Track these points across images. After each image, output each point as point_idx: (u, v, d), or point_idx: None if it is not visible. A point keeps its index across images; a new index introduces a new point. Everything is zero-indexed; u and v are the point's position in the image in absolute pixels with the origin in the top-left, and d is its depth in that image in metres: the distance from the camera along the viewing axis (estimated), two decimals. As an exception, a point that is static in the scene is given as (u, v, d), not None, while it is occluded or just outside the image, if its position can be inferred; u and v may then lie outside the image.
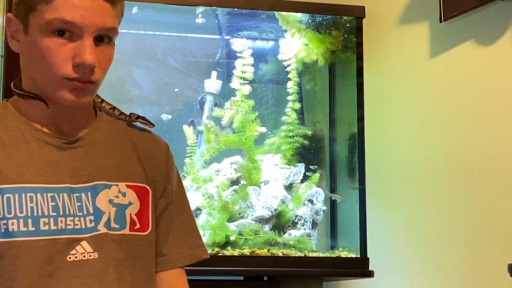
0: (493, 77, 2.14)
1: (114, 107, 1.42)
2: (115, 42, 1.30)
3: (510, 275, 1.71)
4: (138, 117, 1.43)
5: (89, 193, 1.29)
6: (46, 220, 1.23)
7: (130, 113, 1.44)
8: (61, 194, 1.26)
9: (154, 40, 2.59)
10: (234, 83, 2.43)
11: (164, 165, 1.41)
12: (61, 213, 1.25)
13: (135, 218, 1.33)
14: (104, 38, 1.25)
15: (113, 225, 1.30)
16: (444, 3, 2.23)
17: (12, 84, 1.33)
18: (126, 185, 1.33)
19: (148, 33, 2.56)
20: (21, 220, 1.22)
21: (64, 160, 1.29)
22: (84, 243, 1.26)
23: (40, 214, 1.23)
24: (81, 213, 1.27)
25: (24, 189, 1.24)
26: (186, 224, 1.43)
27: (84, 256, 1.26)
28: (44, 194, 1.25)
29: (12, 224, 1.21)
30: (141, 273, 1.33)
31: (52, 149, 1.28)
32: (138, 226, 1.33)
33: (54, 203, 1.25)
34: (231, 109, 2.41)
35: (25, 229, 1.22)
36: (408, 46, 2.48)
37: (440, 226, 2.29)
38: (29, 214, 1.23)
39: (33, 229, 1.22)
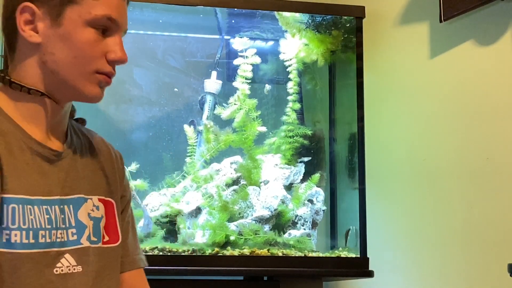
0: (493, 77, 2.14)
1: (75, 109, 1.43)
2: None
3: (510, 275, 1.71)
4: (83, 122, 1.45)
5: (71, 206, 1.29)
6: (44, 232, 1.24)
7: (78, 118, 1.44)
8: (53, 207, 1.26)
9: (154, 40, 2.59)
10: (237, 83, 2.43)
11: (122, 174, 1.45)
12: (54, 226, 1.25)
13: (103, 231, 1.35)
14: None
15: (92, 238, 1.32)
16: (444, 3, 2.23)
17: (7, 76, 1.28)
18: (98, 199, 1.36)
19: (148, 33, 2.56)
20: (23, 232, 1.21)
21: (52, 172, 1.28)
22: (67, 255, 1.27)
23: (38, 226, 1.23)
24: (64, 226, 1.27)
25: (26, 200, 1.23)
26: (134, 232, 1.47)
27: (69, 270, 1.26)
28: (41, 206, 1.24)
29: (15, 235, 1.21)
30: (113, 283, 1.35)
31: (42, 160, 1.27)
32: (107, 238, 1.35)
33: (48, 216, 1.25)
34: (235, 104, 2.41)
35: (27, 241, 1.22)
36: (408, 46, 2.48)
37: (440, 226, 2.29)
38: (30, 226, 1.22)
39: (33, 241, 1.22)
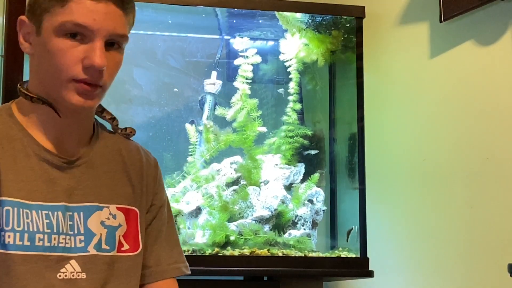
0: (493, 77, 2.14)
1: (114, 118, 1.44)
2: (124, 49, 1.32)
3: (510, 275, 1.71)
4: (132, 132, 1.46)
5: (81, 213, 1.30)
6: (41, 236, 1.25)
7: (127, 128, 1.45)
8: (55, 212, 1.27)
9: (154, 40, 2.59)
10: (238, 83, 2.43)
11: (152, 182, 1.44)
12: (55, 231, 1.26)
13: (122, 240, 1.35)
14: (114, 44, 1.28)
15: (104, 246, 1.32)
16: (444, 3, 2.23)
17: (20, 85, 1.33)
18: (116, 207, 1.35)
19: (148, 33, 2.56)
20: (17, 234, 1.23)
21: (61, 179, 1.29)
22: (73, 262, 1.28)
23: (35, 229, 1.24)
24: (72, 232, 1.28)
25: (21, 204, 1.25)
26: (171, 239, 1.46)
27: (73, 276, 1.27)
28: (39, 211, 1.26)
29: (9, 237, 1.22)
30: None
31: (50, 167, 1.29)
32: (126, 247, 1.35)
33: (48, 220, 1.26)
34: (237, 103, 2.41)
35: (21, 243, 1.23)
36: (408, 46, 2.48)
37: (440, 226, 2.29)
38: (26, 229, 1.24)
39: (28, 243, 1.24)
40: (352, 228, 2.43)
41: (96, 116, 1.42)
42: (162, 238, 1.43)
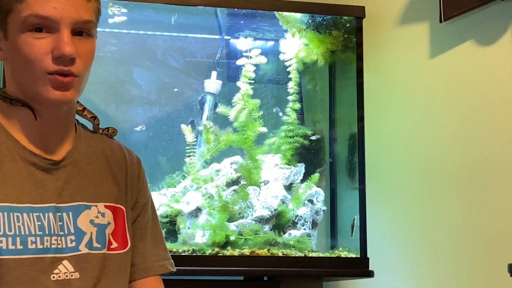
0: (493, 77, 2.14)
1: (95, 117, 1.43)
2: (96, 38, 1.31)
3: (510, 275, 1.71)
4: (114, 132, 1.46)
5: (70, 213, 1.30)
6: (33, 239, 1.24)
7: (109, 128, 1.45)
8: (46, 214, 1.27)
9: (154, 40, 2.59)
10: (241, 83, 2.43)
11: (136, 179, 1.44)
12: (46, 232, 1.26)
13: (111, 238, 1.35)
14: (82, 32, 1.26)
15: (95, 244, 1.32)
16: (444, 3, 2.23)
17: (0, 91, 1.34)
18: (104, 206, 1.35)
19: (148, 33, 2.56)
20: (9, 238, 1.22)
21: (49, 180, 1.29)
22: (65, 262, 1.27)
23: (27, 233, 1.24)
24: (62, 232, 1.28)
25: (12, 208, 1.24)
26: (156, 236, 1.46)
27: (66, 276, 1.27)
28: (30, 213, 1.25)
29: (1, 242, 1.22)
30: None
31: (37, 169, 1.29)
32: (115, 245, 1.36)
33: (40, 223, 1.25)
34: (239, 103, 2.41)
35: (13, 247, 1.22)
36: (408, 46, 2.48)
37: (440, 226, 2.29)
38: (17, 233, 1.23)
39: (21, 247, 1.23)
40: (354, 219, 2.42)
41: (77, 116, 1.41)
42: (147, 235, 1.44)
